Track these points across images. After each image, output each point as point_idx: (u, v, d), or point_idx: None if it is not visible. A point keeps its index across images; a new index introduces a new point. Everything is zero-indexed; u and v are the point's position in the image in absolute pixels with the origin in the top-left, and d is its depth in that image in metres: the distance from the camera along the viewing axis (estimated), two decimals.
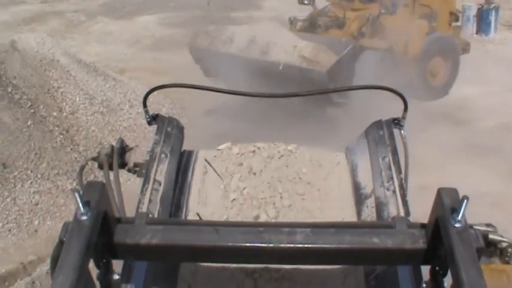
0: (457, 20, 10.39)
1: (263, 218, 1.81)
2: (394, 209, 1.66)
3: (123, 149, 2.16)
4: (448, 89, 9.76)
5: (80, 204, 1.17)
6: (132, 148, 2.18)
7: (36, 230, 6.32)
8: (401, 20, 8.80)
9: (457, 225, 1.17)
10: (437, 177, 6.15)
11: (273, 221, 1.78)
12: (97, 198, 1.21)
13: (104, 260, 1.28)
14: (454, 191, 1.23)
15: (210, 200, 1.90)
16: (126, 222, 1.31)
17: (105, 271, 1.30)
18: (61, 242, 1.18)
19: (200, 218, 1.86)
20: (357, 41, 8.42)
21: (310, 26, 9.36)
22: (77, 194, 1.17)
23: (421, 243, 1.26)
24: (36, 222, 6.39)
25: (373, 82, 8.45)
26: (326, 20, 9.26)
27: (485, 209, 4.55)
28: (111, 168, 2.08)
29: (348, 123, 6.73)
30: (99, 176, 5.91)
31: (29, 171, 6.76)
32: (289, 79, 7.36)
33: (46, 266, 5.44)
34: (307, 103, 7.57)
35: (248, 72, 7.53)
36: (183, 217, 1.81)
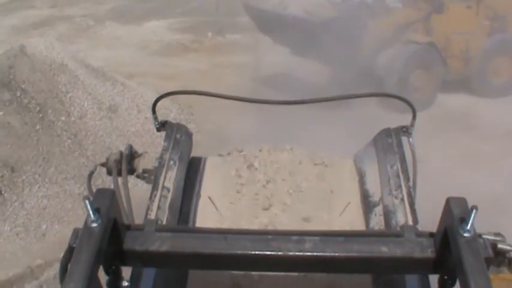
0: None
1: (270, 224, 1.81)
2: (402, 217, 1.66)
3: (132, 155, 2.15)
4: None
5: (90, 212, 1.18)
6: (141, 154, 2.17)
7: (44, 234, 6.35)
8: (456, 20, 9.72)
9: (465, 234, 1.17)
10: None
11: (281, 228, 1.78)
12: (107, 205, 1.22)
13: (113, 267, 1.29)
14: (463, 201, 1.23)
15: (218, 206, 1.91)
16: (135, 229, 1.32)
17: (114, 278, 1.31)
18: (71, 248, 1.19)
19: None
20: (402, 32, 9.86)
21: None
22: (87, 201, 1.18)
23: (429, 252, 1.25)
24: (44, 227, 6.42)
25: (404, 69, 9.39)
26: None
27: None
28: (119, 174, 2.08)
29: None
30: (106, 180, 5.93)
31: (37, 176, 6.80)
32: (299, 30, 9.09)
33: (53, 270, 5.46)
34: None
35: (275, 24, 9.65)
36: (191, 224, 1.82)
